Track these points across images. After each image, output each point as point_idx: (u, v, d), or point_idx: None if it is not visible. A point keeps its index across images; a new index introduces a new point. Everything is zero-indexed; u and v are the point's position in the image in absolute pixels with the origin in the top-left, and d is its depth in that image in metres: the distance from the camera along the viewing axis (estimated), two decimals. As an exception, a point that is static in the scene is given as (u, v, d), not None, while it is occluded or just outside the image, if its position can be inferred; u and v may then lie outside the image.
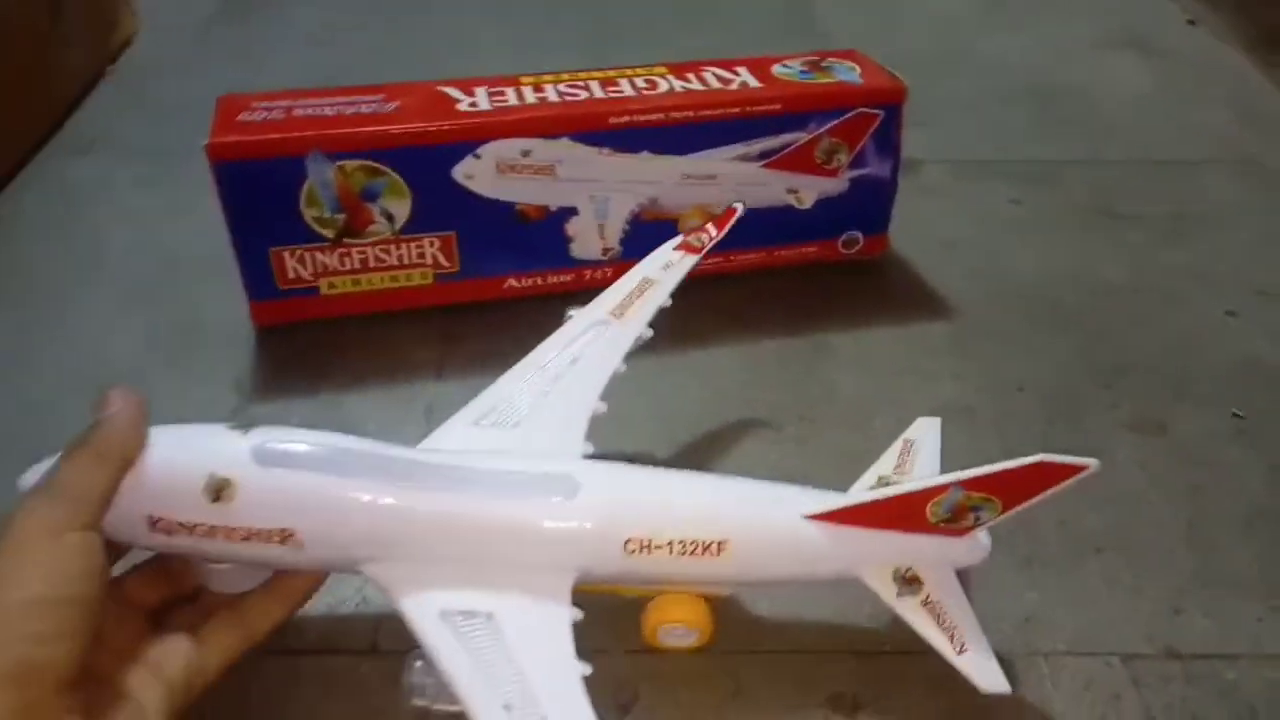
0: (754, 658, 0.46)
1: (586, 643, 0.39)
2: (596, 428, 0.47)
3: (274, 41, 1.01)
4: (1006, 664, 0.45)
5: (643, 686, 0.44)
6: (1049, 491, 0.41)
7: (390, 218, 0.62)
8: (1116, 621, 0.48)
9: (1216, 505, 0.54)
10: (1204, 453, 0.57)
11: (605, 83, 0.65)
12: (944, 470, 0.47)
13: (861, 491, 0.46)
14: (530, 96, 0.63)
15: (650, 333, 0.51)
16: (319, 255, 0.62)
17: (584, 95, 0.64)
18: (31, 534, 0.34)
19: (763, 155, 0.65)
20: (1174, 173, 0.84)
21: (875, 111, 0.66)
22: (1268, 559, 0.51)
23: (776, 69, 0.67)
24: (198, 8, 1.08)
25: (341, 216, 0.61)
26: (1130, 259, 0.74)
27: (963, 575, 0.45)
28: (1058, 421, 0.59)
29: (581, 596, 0.41)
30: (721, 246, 0.64)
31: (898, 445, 0.49)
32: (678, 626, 0.44)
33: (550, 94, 0.63)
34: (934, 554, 0.44)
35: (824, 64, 0.68)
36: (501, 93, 0.63)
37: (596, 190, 0.64)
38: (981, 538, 0.44)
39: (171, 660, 0.39)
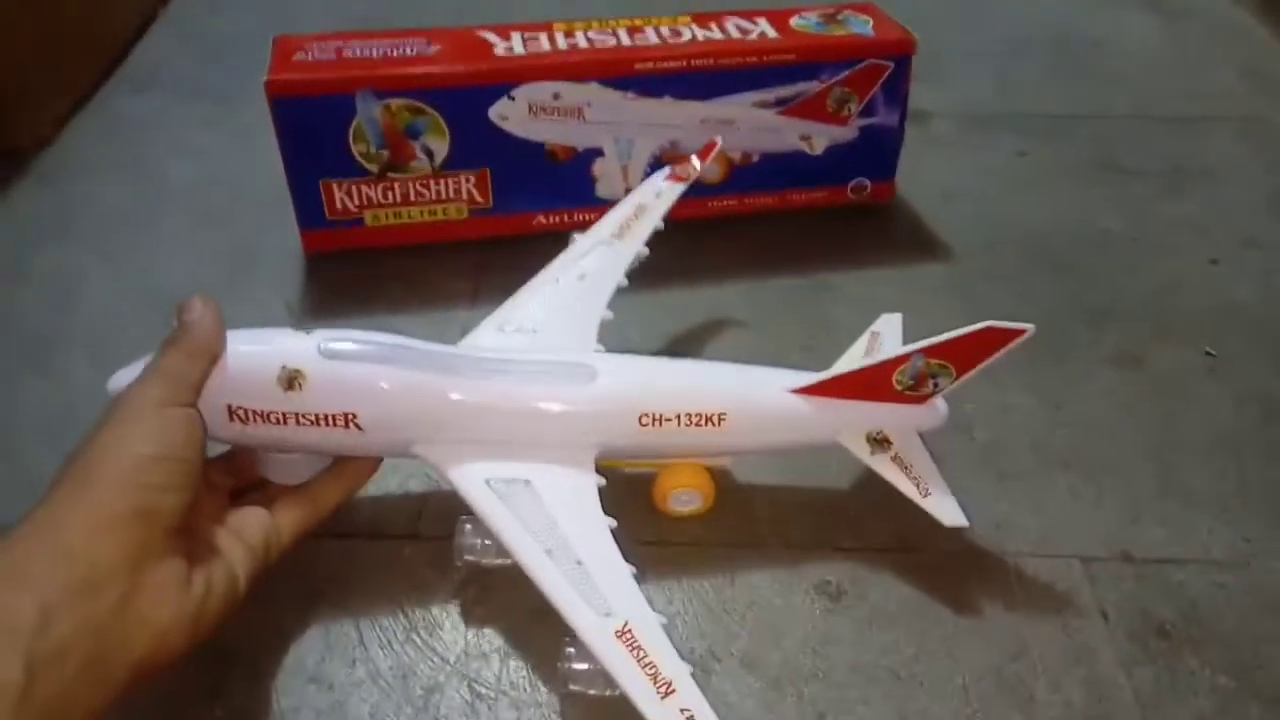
0: (749, 552, 0.51)
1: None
2: (608, 342, 0.54)
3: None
4: (975, 561, 0.51)
5: (649, 573, 0.50)
6: (995, 355, 0.48)
7: (430, 154, 0.67)
8: (1077, 529, 0.53)
9: (1182, 432, 0.59)
10: (1175, 385, 0.62)
11: (632, 30, 0.69)
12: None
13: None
14: (562, 42, 0.68)
15: (647, 251, 0.59)
16: (364, 188, 0.68)
17: (612, 42, 0.68)
18: (142, 406, 0.41)
19: (778, 103, 0.70)
20: (1178, 128, 0.88)
21: (885, 63, 0.70)
22: (1224, 479, 0.56)
23: (794, 20, 0.71)
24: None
25: (386, 152, 0.66)
26: (1128, 210, 0.77)
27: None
28: (1041, 355, 0.63)
29: (602, 472, 0.48)
30: (735, 189, 0.70)
31: (865, 337, 0.56)
32: (686, 491, 0.51)
33: (580, 40, 0.68)
34: (901, 419, 0.51)
35: (839, 16, 0.72)
36: (535, 38, 0.68)
37: (621, 133, 0.69)
38: (939, 405, 0.51)
39: (252, 527, 0.45)
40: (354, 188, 0.68)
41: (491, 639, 0.47)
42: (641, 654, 0.41)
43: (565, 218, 0.71)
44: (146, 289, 0.68)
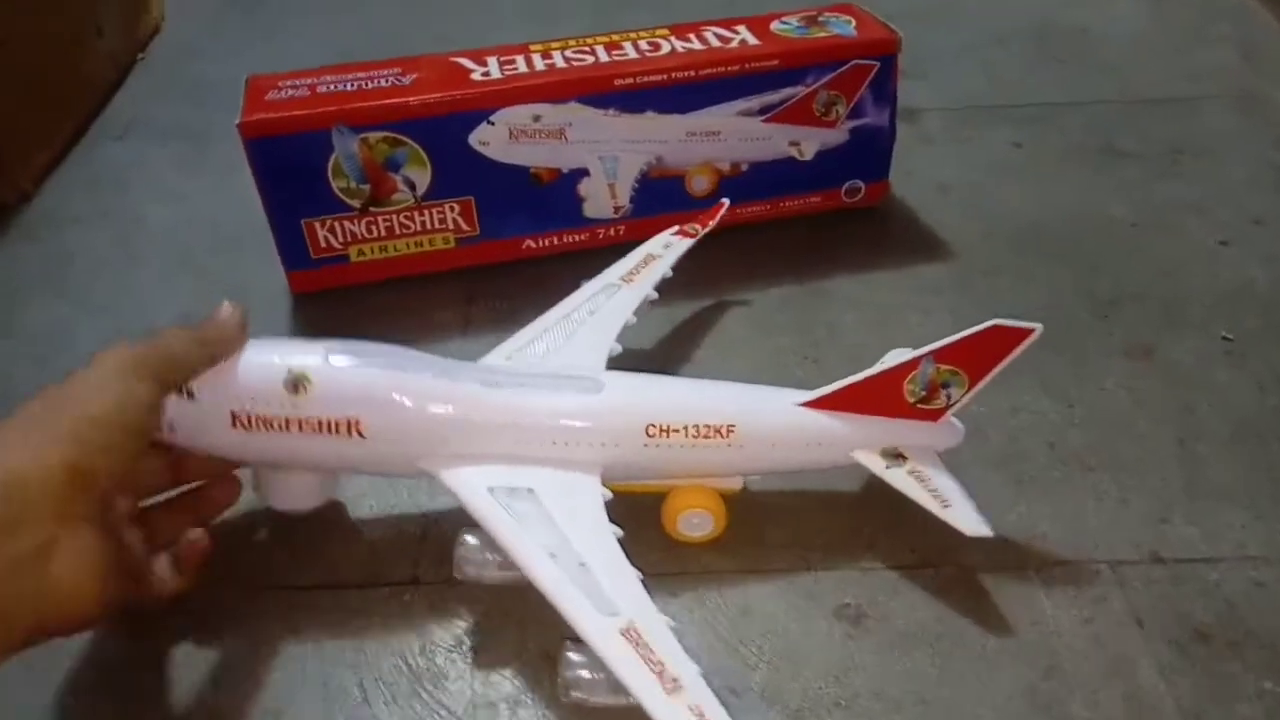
0: (763, 577, 0.49)
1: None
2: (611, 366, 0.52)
3: (292, 18, 1.05)
4: (999, 574, 0.49)
5: (658, 605, 0.48)
6: (1006, 359, 0.47)
7: (412, 186, 0.65)
8: (1104, 533, 0.51)
9: (1204, 423, 0.57)
10: (1193, 374, 0.60)
11: (610, 46, 0.68)
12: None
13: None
14: (539, 64, 0.66)
15: (656, 295, 0.59)
16: (347, 224, 0.66)
17: (590, 60, 0.66)
18: (117, 368, 0.41)
19: (764, 110, 0.68)
20: (1173, 110, 0.85)
21: (870, 62, 0.68)
22: (1252, 471, 0.54)
23: (774, 25, 0.70)
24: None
25: (367, 187, 0.65)
26: (1129, 195, 0.75)
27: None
28: (1050, 350, 0.61)
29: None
30: (728, 201, 0.68)
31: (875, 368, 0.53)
32: (695, 513, 0.50)
33: (558, 60, 0.66)
34: (916, 437, 0.50)
35: (820, 19, 0.71)
36: (512, 61, 0.66)
37: (605, 151, 0.67)
38: (955, 422, 0.50)
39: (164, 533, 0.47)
40: (337, 225, 0.66)
41: (499, 686, 0.45)
42: (648, 652, 0.40)
43: (555, 240, 0.70)
44: (132, 337, 0.66)
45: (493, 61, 0.66)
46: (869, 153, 0.72)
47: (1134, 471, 0.54)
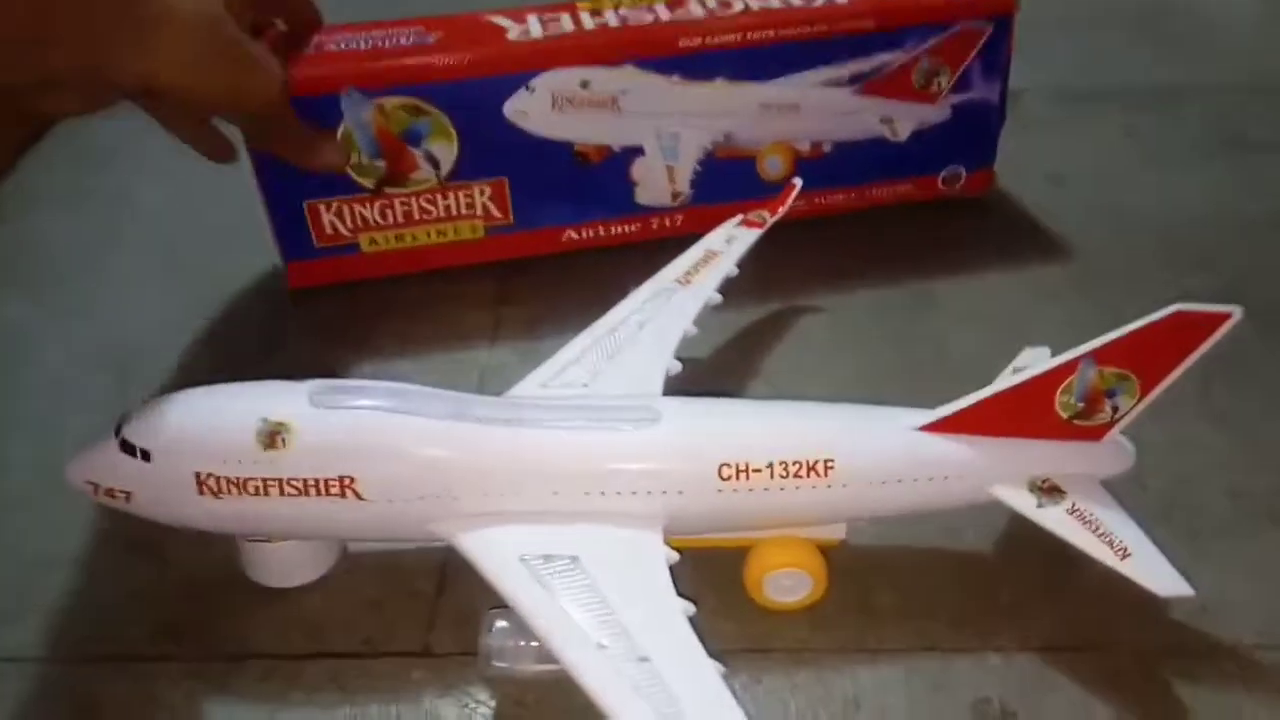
0: (873, 659, 0.39)
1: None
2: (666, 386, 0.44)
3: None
4: (1182, 660, 0.38)
5: (742, 693, 0.37)
6: (1190, 357, 0.38)
7: (435, 163, 0.56)
8: (1314, 606, 0.40)
9: None
10: (1394, 401, 0.49)
11: (672, 3, 0.58)
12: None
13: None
14: (588, 21, 0.57)
15: (720, 298, 0.50)
16: (358, 208, 0.57)
17: (649, 18, 0.57)
18: None
19: (853, 80, 0.58)
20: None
21: (982, 25, 0.58)
22: None
23: None
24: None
25: (381, 163, 0.55)
26: (1270, 192, 0.65)
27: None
28: (1213, 371, 0.49)
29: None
30: (807, 188, 0.58)
31: (1006, 374, 0.44)
32: (788, 572, 0.40)
33: (610, 18, 0.57)
34: (1072, 462, 0.40)
35: None
36: (555, 19, 0.57)
37: (664, 125, 0.57)
38: (1122, 441, 0.40)
39: None
40: (345, 207, 0.56)
41: (532, 803, 0.35)
42: None
43: (601, 230, 0.60)
44: (103, 345, 0.57)
45: (533, 20, 0.57)
46: (973, 134, 0.62)
47: (1340, 525, 0.43)
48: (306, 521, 0.38)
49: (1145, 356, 0.37)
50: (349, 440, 0.37)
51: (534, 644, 0.36)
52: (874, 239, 0.61)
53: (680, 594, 0.36)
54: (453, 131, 0.55)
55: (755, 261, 0.53)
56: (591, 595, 0.35)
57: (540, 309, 0.58)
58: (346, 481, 0.37)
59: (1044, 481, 0.39)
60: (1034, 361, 0.44)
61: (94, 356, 0.56)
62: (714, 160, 0.59)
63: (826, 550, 0.40)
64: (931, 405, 0.40)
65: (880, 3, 0.57)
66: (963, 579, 0.41)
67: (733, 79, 0.57)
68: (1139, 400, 0.38)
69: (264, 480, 0.37)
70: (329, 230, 0.57)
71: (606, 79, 0.55)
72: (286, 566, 0.41)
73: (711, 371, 0.52)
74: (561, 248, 0.60)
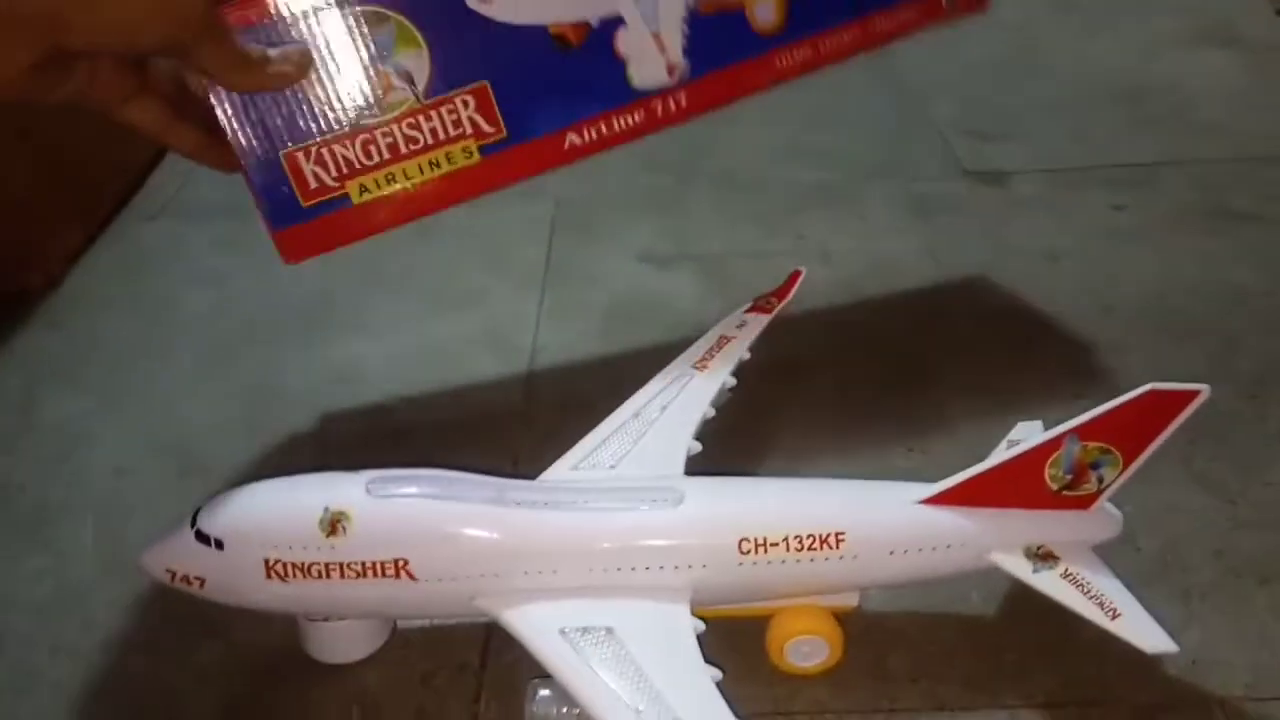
0: (889, 718, 0.41)
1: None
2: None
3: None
4: (1176, 715, 0.41)
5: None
6: (1166, 431, 0.41)
7: (410, 79, 0.50)
8: (1299, 660, 0.43)
9: (1395, 523, 0.48)
10: (1371, 465, 0.52)
11: None
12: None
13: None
14: None
15: (734, 381, 0.53)
16: (339, 149, 0.50)
17: None
18: None
19: None
20: (1285, 167, 0.79)
21: None
22: None
23: None
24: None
25: None
26: (1256, 260, 0.68)
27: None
28: (1199, 437, 0.53)
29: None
30: (802, 31, 0.55)
31: (1001, 448, 0.47)
32: (807, 639, 0.42)
33: None
34: (1064, 530, 0.42)
35: None
36: None
37: None
38: (1110, 509, 0.43)
39: None
40: (326, 151, 0.50)
41: None
42: None
43: (604, 128, 0.54)
44: (159, 439, 0.60)
45: None
46: None
47: (1322, 583, 0.46)
48: (365, 601, 0.41)
49: (1125, 431, 0.40)
50: (402, 526, 0.40)
51: (575, 711, 0.39)
52: (874, 316, 0.65)
53: (707, 660, 0.39)
54: (419, 38, 0.50)
55: (765, 343, 0.56)
56: (626, 663, 0.38)
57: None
58: (401, 563, 0.40)
59: (1039, 548, 0.42)
60: (1027, 435, 0.46)
61: (153, 447, 0.59)
62: (699, 16, 0.54)
63: (842, 617, 0.43)
64: (934, 474, 0.43)
65: None
66: (970, 641, 0.44)
67: None
68: (1122, 471, 0.41)
69: (326, 564, 0.40)
70: (313, 183, 0.50)
71: None
72: (344, 643, 0.44)
73: (731, 452, 0.54)
74: (567, 157, 0.54)
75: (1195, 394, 0.40)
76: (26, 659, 0.47)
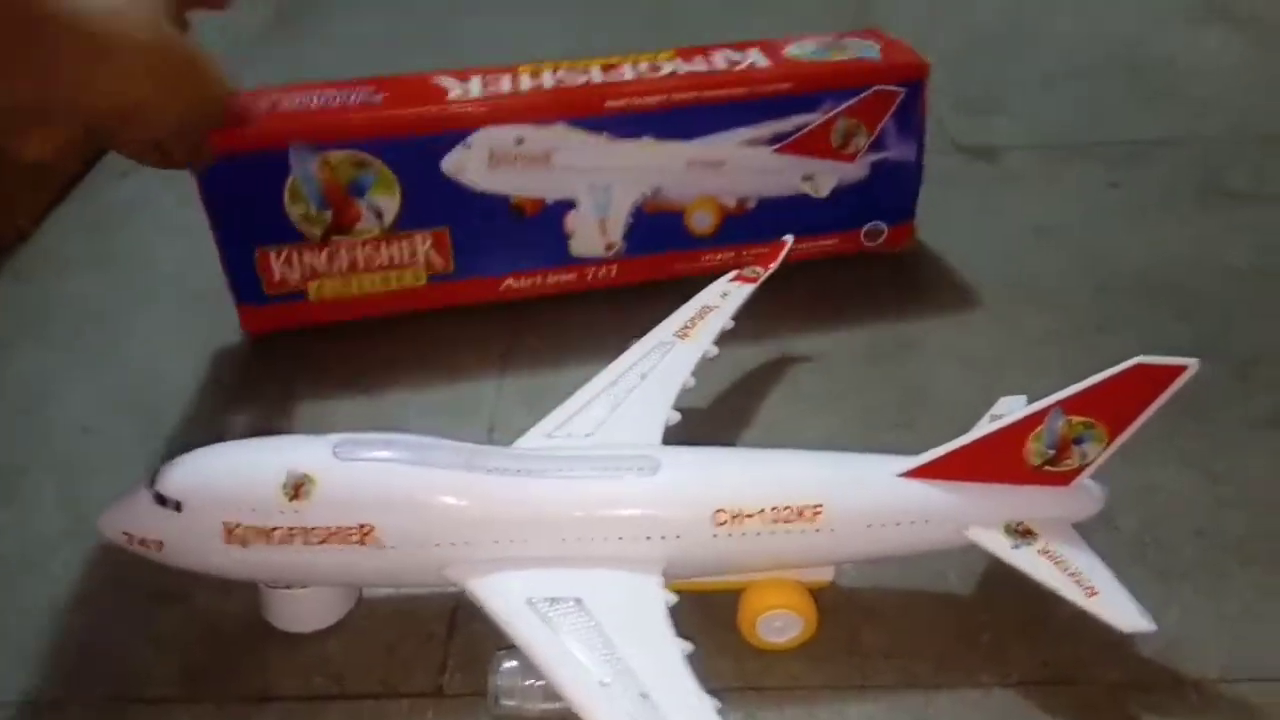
0: (862, 695, 0.41)
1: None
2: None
3: (327, 56, 0.98)
4: (1149, 695, 0.40)
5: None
6: (1152, 405, 0.40)
7: (379, 214, 0.59)
8: (1271, 641, 0.42)
9: (1380, 505, 0.48)
10: (1356, 447, 0.51)
11: (607, 67, 0.61)
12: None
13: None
14: (526, 83, 0.60)
15: (716, 350, 0.52)
16: (306, 255, 0.59)
17: (582, 80, 0.60)
18: None
19: (774, 139, 0.61)
20: (1283, 146, 0.78)
21: (895, 89, 0.61)
22: None
23: (789, 49, 0.63)
24: (245, 24, 1.06)
25: (328, 213, 0.58)
26: (1252, 240, 0.68)
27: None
28: (1185, 416, 0.52)
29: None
30: (730, 240, 0.63)
31: (984, 422, 0.46)
32: (779, 614, 0.42)
33: (547, 80, 0.60)
34: (1044, 507, 0.42)
35: (840, 43, 0.64)
36: (496, 80, 0.60)
37: (596, 180, 0.60)
38: (1091, 485, 0.42)
39: None
40: (294, 254, 0.59)
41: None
42: None
43: (540, 280, 0.63)
44: (125, 397, 0.59)
45: (475, 80, 0.60)
46: (892, 191, 0.64)
47: (1304, 564, 0.45)
48: (328, 568, 0.40)
49: (1110, 406, 0.40)
50: (369, 491, 0.40)
51: (540, 683, 0.38)
52: (862, 287, 0.64)
53: (679, 634, 0.38)
54: (396, 184, 0.58)
55: (750, 314, 0.55)
56: (594, 635, 0.37)
57: (545, 352, 0.61)
58: (366, 530, 0.39)
59: (1018, 524, 0.41)
60: (1010, 409, 0.46)
61: (119, 405, 0.58)
62: (644, 213, 0.61)
63: (816, 592, 0.42)
64: (919, 447, 0.42)
65: (798, 69, 0.60)
66: (945, 619, 0.44)
67: (659, 137, 0.60)
68: (1106, 447, 0.41)
69: (289, 529, 0.39)
70: (278, 277, 0.60)
71: (539, 136, 0.58)
72: (306, 612, 0.44)
73: (711, 421, 0.55)
74: (501, 296, 0.63)
75: (1182, 368, 0.39)
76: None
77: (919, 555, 0.43)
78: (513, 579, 0.40)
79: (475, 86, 0.59)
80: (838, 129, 0.61)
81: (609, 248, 0.63)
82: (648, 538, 0.40)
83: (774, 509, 0.40)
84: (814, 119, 0.61)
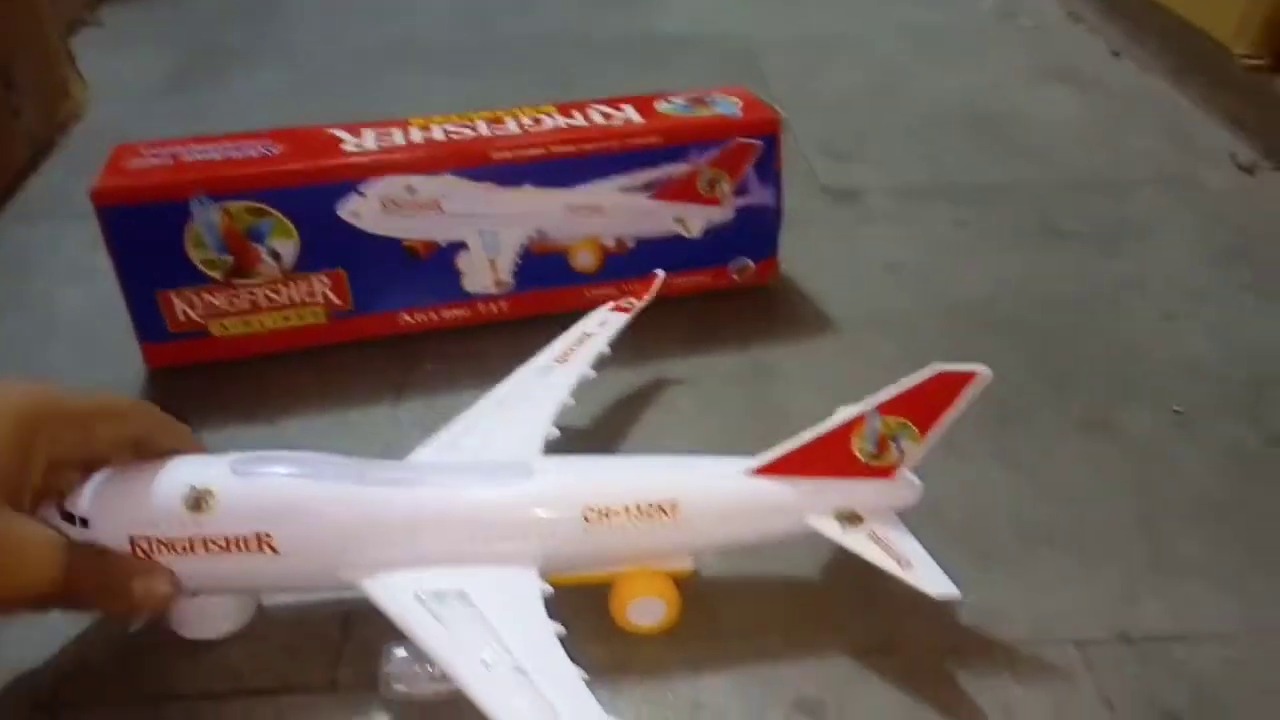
0: (716, 669, 0.46)
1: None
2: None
3: (224, 110, 1.02)
4: (964, 657, 0.46)
5: (605, 705, 0.44)
6: (954, 406, 0.45)
7: (278, 257, 0.62)
8: (1070, 610, 0.48)
9: (1164, 496, 0.55)
10: (1149, 448, 0.59)
11: (492, 121, 0.66)
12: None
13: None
14: (417, 136, 0.65)
15: (594, 374, 0.56)
16: (207, 296, 0.63)
17: (470, 133, 0.65)
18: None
19: (647, 187, 0.67)
20: (1110, 191, 0.87)
21: (753, 141, 0.67)
22: (1215, 545, 0.52)
23: (660, 105, 0.69)
24: (147, 78, 1.09)
25: (229, 258, 0.62)
26: (1074, 272, 0.76)
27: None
28: (1008, 423, 0.60)
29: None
30: (612, 276, 0.68)
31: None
32: (646, 599, 0.46)
33: (437, 133, 0.65)
34: (872, 497, 0.47)
35: (706, 99, 0.70)
36: (388, 133, 0.65)
37: (484, 225, 0.65)
38: (911, 477, 0.48)
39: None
40: (195, 296, 0.63)
41: (426, 806, 0.41)
42: None
43: (434, 315, 0.67)
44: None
45: (368, 134, 0.65)
46: (756, 231, 0.71)
47: (1098, 547, 0.52)
48: (229, 575, 0.43)
49: (918, 407, 0.45)
50: (265, 502, 0.43)
51: (429, 668, 0.42)
52: (727, 319, 0.70)
53: (553, 620, 0.42)
54: (293, 230, 0.62)
55: (630, 342, 0.60)
56: (477, 622, 0.41)
57: (441, 372, 0.65)
58: (264, 537, 0.42)
59: (849, 512, 0.47)
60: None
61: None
62: (531, 254, 0.66)
63: (680, 581, 0.47)
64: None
65: (666, 123, 0.67)
66: (792, 599, 0.49)
67: (540, 185, 0.65)
68: (920, 442, 0.46)
69: (190, 539, 0.42)
70: (181, 317, 0.63)
71: (429, 185, 0.63)
72: (209, 619, 0.46)
73: (589, 437, 0.59)
74: (399, 330, 0.67)
75: (973, 375, 0.45)
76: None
77: (766, 543, 0.48)
78: (402, 577, 0.43)
79: (369, 139, 0.64)
80: (704, 177, 0.67)
81: (499, 285, 0.67)
82: (525, 536, 0.45)
83: (636, 506, 0.45)
84: (682, 168, 0.67)
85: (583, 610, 0.45)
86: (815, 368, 0.66)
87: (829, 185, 0.87)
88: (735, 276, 0.72)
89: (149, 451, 0.44)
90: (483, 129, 0.65)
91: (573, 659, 0.41)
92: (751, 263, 0.71)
